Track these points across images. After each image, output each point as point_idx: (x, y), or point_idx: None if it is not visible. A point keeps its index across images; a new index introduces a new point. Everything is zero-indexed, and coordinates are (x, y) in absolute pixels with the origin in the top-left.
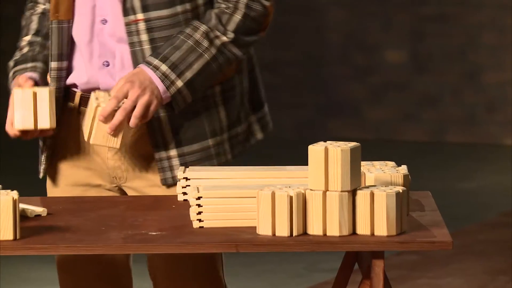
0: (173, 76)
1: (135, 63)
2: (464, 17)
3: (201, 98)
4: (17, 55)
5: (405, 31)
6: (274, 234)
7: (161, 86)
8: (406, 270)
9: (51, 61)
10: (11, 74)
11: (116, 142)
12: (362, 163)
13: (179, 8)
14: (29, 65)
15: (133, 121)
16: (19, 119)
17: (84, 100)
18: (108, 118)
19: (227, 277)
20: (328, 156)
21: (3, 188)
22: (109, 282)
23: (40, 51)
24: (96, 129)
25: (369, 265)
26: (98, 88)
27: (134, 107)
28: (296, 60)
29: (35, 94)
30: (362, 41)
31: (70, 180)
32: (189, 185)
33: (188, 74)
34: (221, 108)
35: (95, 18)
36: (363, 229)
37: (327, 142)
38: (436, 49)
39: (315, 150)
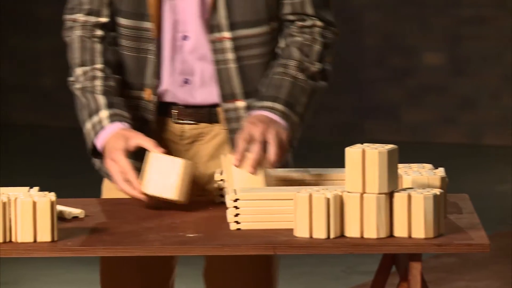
0: (289, 112)
1: (221, 82)
2: (501, 20)
3: None
4: (95, 87)
5: (442, 34)
6: (311, 236)
7: (283, 123)
8: (444, 273)
9: (155, 78)
10: (106, 113)
11: (260, 181)
12: (399, 165)
13: (266, 27)
14: (125, 114)
15: (272, 151)
16: (151, 184)
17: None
18: (242, 160)
19: None
20: (366, 158)
21: (41, 190)
22: None
23: (117, 94)
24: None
25: (407, 267)
26: (177, 104)
27: (264, 140)
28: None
29: (171, 162)
30: (399, 44)
31: None
32: (226, 187)
33: (299, 109)
34: None
35: (176, 35)
36: (400, 231)
37: (364, 144)
38: (474, 52)
39: (353, 152)
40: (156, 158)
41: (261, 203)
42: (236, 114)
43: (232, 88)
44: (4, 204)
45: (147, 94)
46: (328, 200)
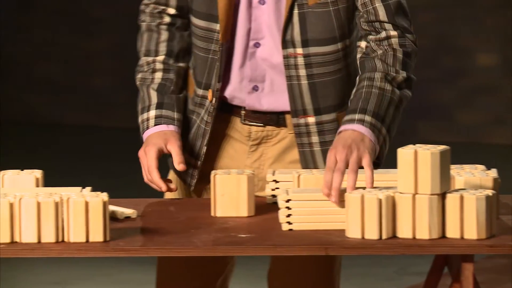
0: (378, 125)
1: (292, 97)
2: None
3: None
4: (153, 80)
5: (496, 34)
6: (363, 237)
7: (373, 138)
8: (496, 274)
9: (217, 81)
10: (154, 113)
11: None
12: (452, 166)
13: (338, 45)
14: (176, 115)
15: (351, 178)
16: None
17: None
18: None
19: None
20: (418, 159)
21: (93, 190)
22: None
23: (174, 88)
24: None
25: (459, 268)
26: (244, 108)
27: (346, 167)
28: None
29: (237, 180)
30: (452, 45)
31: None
32: (278, 188)
33: (387, 120)
34: None
35: (249, 42)
36: (452, 232)
37: (417, 145)
38: None
39: (405, 153)
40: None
41: (313, 203)
42: (307, 130)
43: (303, 104)
44: (56, 204)
45: (209, 96)
46: (380, 201)
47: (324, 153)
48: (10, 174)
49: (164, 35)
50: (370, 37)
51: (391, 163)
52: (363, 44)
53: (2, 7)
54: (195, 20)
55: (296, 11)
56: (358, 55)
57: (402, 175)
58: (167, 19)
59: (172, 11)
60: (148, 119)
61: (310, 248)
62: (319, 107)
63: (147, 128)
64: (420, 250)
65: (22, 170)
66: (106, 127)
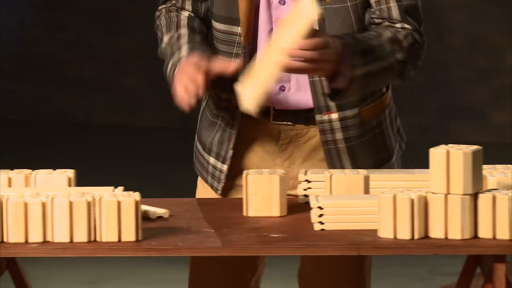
0: (359, 61)
1: (314, 94)
2: None
3: (376, 125)
4: (180, 37)
5: None
6: (395, 237)
7: (348, 64)
8: None
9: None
10: (185, 51)
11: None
12: (484, 166)
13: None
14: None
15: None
16: None
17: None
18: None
19: None
20: (450, 159)
21: (125, 190)
22: None
23: (205, 41)
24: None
25: (491, 269)
26: (273, 107)
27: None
28: None
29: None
30: (485, 44)
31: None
32: (310, 188)
33: (370, 68)
34: (390, 133)
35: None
36: (485, 232)
37: (449, 145)
38: None
39: (437, 153)
40: None
41: (345, 203)
42: (331, 126)
43: (326, 100)
44: (88, 203)
45: (234, 99)
46: (412, 201)
47: (349, 150)
48: (43, 174)
49: (184, 17)
50: (383, 24)
51: (423, 163)
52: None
53: (36, 7)
54: (216, 24)
55: None
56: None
57: (434, 175)
58: (185, 12)
59: (188, 12)
60: (180, 58)
61: (342, 248)
62: (343, 103)
63: (180, 59)
64: (453, 250)
65: (54, 169)
66: (138, 127)
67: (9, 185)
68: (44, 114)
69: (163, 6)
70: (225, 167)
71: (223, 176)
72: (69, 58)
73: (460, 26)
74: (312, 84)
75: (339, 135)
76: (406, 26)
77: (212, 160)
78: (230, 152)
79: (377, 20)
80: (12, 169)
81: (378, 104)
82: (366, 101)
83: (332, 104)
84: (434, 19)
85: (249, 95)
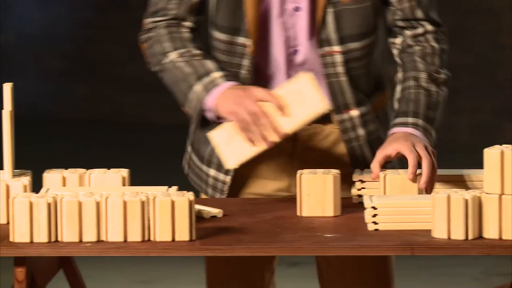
0: (429, 128)
1: (333, 95)
2: None
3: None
4: (196, 56)
5: None
6: (449, 238)
7: (426, 142)
8: None
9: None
10: (219, 74)
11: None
12: None
13: (372, 38)
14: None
15: (426, 170)
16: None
17: None
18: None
19: (403, 280)
20: (504, 160)
21: (179, 190)
22: None
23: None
24: None
25: None
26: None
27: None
28: (471, 63)
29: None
30: None
31: (253, 191)
32: (364, 188)
33: (436, 123)
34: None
35: (287, 50)
36: None
37: (503, 145)
38: None
39: (491, 154)
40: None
41: (399, 203)
42: (352, 123)
43: (345, 99)
44: (143, 203)
45: None
46: (466, 201)
47: (371, 144)
48: (97, 173)
49: (188, 35)
50: (407, 32)
51: (478, 164)
52: (398, 40)
53: (96, 8)
54: (217, 34)
55: (331, 10)
56: (395, 51)
57: (488, 175)
58: (185, 28)
59: (189, 24)
60: (213, 81)
61: (396, 248)
62: (359, 99)
63: (215, 86)
64: (507, 251)
65: (108, 169)
66: None
67: (64, 185)
68: (100, 113)
69: (160, 19)
70: (228, 178)
71: (226, 188)
72: (128, 58)
73: None
74: (330, 85)
75: (361, 131)
76: (429, 28)
77: (212, 172)
78: None
79: (400, 23)
80: (66, 169)
81: (382, 97)
82: (374, 95)
83: (351, 101)
84: (488, 18)
85: (232, 155)
